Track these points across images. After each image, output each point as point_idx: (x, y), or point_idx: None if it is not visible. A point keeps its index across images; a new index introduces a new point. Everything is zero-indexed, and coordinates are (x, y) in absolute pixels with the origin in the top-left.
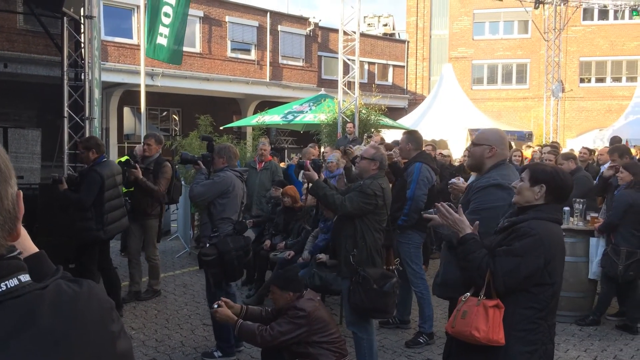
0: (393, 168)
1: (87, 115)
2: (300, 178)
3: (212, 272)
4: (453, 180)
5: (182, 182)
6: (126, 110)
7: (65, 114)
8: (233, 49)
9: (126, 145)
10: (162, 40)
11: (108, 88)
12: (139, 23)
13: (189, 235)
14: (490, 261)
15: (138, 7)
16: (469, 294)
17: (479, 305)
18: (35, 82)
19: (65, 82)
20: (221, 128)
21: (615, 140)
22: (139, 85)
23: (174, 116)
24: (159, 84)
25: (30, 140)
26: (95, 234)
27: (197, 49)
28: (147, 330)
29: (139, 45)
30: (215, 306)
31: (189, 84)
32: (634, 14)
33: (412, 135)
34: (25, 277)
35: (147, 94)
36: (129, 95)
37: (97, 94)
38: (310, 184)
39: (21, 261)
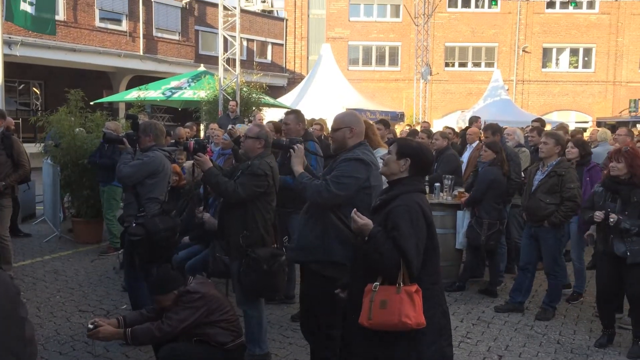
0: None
1: None
2: (177, 157)
3: (138, 253)
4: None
5: (50, 161)
6: None
7: None
8: (102, 19)
9: None
10: (26, 7)
11: None
12: None
13: (58, 219)
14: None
15: None
16: (377, 283)
17: (400, 293)
18: None
19: None
20: (91, 103)
21: (473, 120)
22: None
23: (35, 89)
24: (17, 54)
25: None
26: None
27: (61, 16)
28: None
29: None
30: (91, 327)
31: (53, 54)
32: (493, 3)
33: (300, 115)
34: None
35: (4, 64)
36: None
37: None
38: (203, 171)
39: None
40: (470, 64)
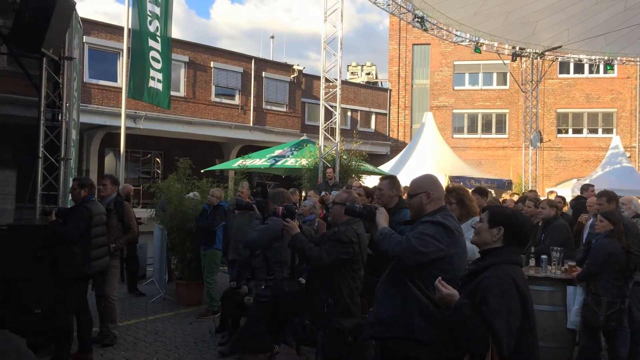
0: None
1: (62, 156)
2: None
3: (264, 315)
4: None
5: (159, 225)
6: (108, 152)
7: (40, 154)
8: (217, 94)
9: None
10: (155, 85)
11: (90, 130)
12: (123, 66)
13: (164, 280)
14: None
15: (123, 50)
16: None
17: None
18: (12, 123)
19: (42, 122)
20: (202, 171)
21: (584, 188)
22: (120, 128)
23: (157, 159)
24: (141, 127)
25: (2, 180)
26: (81, 269)
27: (182, 93)
28: None
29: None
30: None
31: (172, 127)
32: (608, 68)
33: (395, 182)
34: None
35: (129, 136)
36: (111, 138)
37: (74, 135)
38: (290, 236)
39: None
40: (585, 130)
